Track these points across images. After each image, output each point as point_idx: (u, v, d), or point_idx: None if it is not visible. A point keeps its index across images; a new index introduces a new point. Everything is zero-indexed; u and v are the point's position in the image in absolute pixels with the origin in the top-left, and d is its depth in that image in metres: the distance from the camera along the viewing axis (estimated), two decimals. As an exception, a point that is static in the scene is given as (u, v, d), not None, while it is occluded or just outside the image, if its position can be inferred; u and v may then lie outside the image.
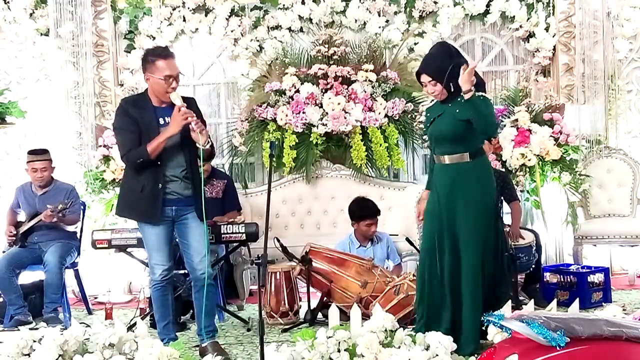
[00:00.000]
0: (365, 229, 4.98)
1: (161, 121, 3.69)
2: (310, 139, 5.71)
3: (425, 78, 3.74)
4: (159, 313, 3.87)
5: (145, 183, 3.69)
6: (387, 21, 6.13)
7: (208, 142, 3.64)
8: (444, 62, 3.70)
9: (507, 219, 5.19)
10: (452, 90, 3.67)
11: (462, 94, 3.55)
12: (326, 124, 5.64)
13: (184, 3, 6.12)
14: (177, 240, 3.90)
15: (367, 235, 5.02)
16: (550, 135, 5.65)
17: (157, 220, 3.72)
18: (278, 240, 4.74)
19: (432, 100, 3.95)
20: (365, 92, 5.77)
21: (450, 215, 3.68)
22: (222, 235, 4.51)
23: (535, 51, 6.14)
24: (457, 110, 3.64)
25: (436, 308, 3.68)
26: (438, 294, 3.68)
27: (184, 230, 3.80)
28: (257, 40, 6.16)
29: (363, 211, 4.99)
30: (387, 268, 4.97)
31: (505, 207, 5.25)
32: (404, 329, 3.19)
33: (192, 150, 3.70)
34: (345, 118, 5.62)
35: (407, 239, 4.96)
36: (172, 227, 3.82)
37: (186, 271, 4.59)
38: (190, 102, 3.74)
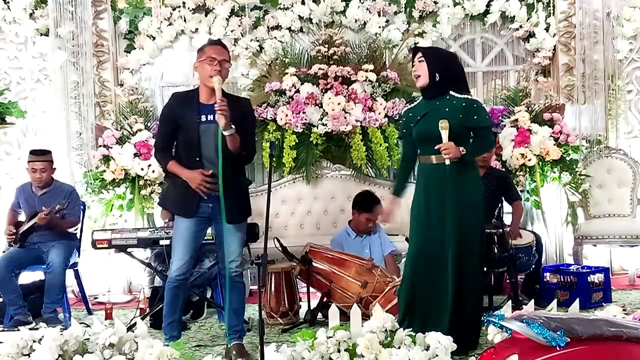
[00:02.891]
0: (364, 222, 5.01)
1: (203, 118, 3.65)
2: (310, 139, 5.71)
3: (417, 55, 3.78)
4: (166, 309, 3.85)
5: (183, 179, 3.69)
6: (387, 21, 6.13)
7: (230, 130, 3.53)
8: (445, 55, 3.88)
9: (507, 219, 5.21)
10: (436, 80, 3.70)
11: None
12: (326, 124, 5.64)
13: (184, 3, 6.11)
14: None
15: (363, 228, 5.04)
16: (550, 135, 5.66)
17: (190, 215, 3.71)
18: (278, 240, 4.74)
19: (413, 102, 3.95)
20: (365, 92, 5.77)
21: (446, 216, 3.68)
22: (222, 235, 4.51)
23: (536, 51, 6.14)
24: (447, 109, 3.67)
25: (434, 310, 3.68)
26: (437, 295, 3.69)
27: (218, 229, 3.78)
28: (257, 40, 6.16)
29: (368, 204, 5.02)
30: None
31: (506, 207, 5.26)
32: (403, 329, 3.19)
33: (228, 151, 3.63)
34: (345, 118, 5.63)
35: (407, 239, 4.96)
36: (205, 226, 3.79)
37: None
38: (238, 102, 3.78)
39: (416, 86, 3.88)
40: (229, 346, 3.82)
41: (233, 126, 3.54)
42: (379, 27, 6.08)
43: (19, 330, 3.30)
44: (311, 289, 4.69)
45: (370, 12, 6.09)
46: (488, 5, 6.09)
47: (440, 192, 3.70)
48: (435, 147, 3.59)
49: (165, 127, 3.78)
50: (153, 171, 5.60)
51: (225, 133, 3.53)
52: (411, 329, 3.21)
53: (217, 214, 3.68)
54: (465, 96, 3.73)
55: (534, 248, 4.84)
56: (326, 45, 5.87)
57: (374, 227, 5.08)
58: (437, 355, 3.00)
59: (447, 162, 3.57)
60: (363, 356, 3.02)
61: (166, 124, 3.77)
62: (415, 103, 3.95)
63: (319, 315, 4.58)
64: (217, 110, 3.48)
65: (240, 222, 3.78)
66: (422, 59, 3.73)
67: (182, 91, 3.95)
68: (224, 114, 3.49)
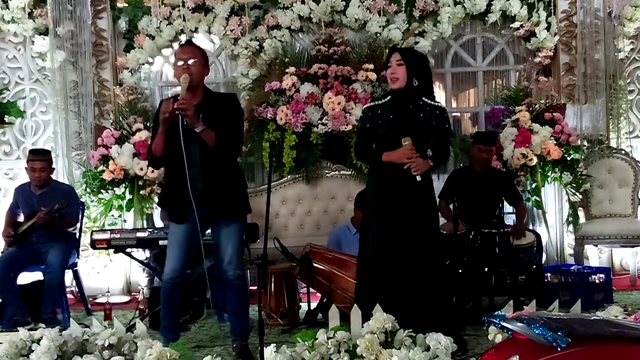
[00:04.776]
0: None
1: (186, 121, 3.56)
2: (310, 139, 5.69)
3: (394, 57, 3.74)
4: (162, 312, 3.83)
5: (174, 181, 3.67)
6: (387, 20, 6.11)
7: (200, 127, 3.50)
8: (422, 59, 3.85)
9: (507, 219, 5.19)
10: (413, 85, 3.68)
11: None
12: (326, 124, 5.63)
13: (183, 2, 6.10)
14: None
15: None
16: (552, 135, 5.64)
17: (182, 221, 3.67)
18: (278, 241, 4.72)
19: (376, 100, 3.92)
20: (365, 91, 5.76)
21: (408, 215, 3.68)
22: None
23: (536, 50, 6.12)
24: (421, 115, 3.70)
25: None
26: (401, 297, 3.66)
27: (213, 231, 3.74)
28: (257, 40, 6.14)
29: None
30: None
31: (506, 207, 5.25)
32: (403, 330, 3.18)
33: (212, 149, 3.58)
34: (345, 118, 5.61)
35: None
36: (197, 228, 3.63)
37: (188, 271, 4.59)
38: (221, 98, 3.80)
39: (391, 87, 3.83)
40: (233, 345, 3.83)
41: (202, 122, 3.50)
42: (380, 26, 6.06)
43: (17, 330, 3.29)
44: (311, 290, 4.68)
45: (370, 11, 6.07)
46: (489, 5, 6.07)
47: (397, 192, 3.69)
48: (405, 167, 3.61)
49: (155, 129, 3.73)
50: (152, 171, 5.58)
51: (196, 130, 3.51)
52: None
53: (211, 215, 3.63)
54: (437, 104, 3.80)
55: (535, 248, 4.83)
56: (326, 45, 5.86)
57: None
58: (437, 356, 2.99)
59: (418, 178, 3.61)
60: (363, 357, 3.00)
61: (156, 126, 3.72)
62: (382, 101, 3.87)
63: (319, 316, 4.56)
64: (176, 109, 3.46)
65: (234, 219, 3.70)
66: (402, 62, 3.71)
67: (170, 97, 3.92)
68: (185, 113, 3.46)
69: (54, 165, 5.13)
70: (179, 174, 3.57)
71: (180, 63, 3.63)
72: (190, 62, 3.62)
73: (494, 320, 2.63)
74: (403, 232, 3.68)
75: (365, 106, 3.99)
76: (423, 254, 3.68)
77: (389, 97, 3.84)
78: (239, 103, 3.87)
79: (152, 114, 6.04)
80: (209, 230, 3.82)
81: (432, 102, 3.78)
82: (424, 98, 3.76)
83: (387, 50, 6.02)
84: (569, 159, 5.71)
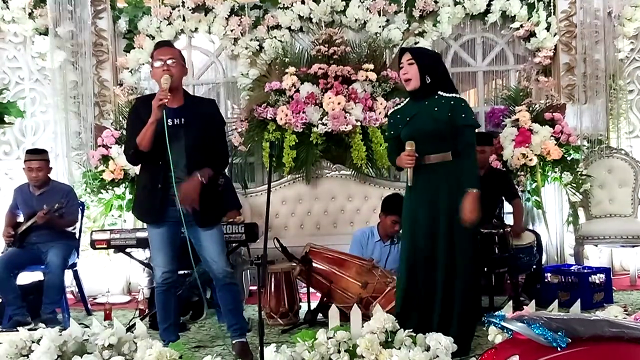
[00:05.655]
0: (390, 225, 4.89)
1: (170, 122, 3.53)
2: (310, 139, 5.70)
3: (405, 57, 3.71)
4: (160, 315, 3.82)
5: (147, 182, 3.66)
6: (387, 21, 6.12)
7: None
8: (433, 56, 3.83)
9: (507, 219, 5.19)
10: (427, 83, 3.65)
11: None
12: (326, 124, 5.63)
13: (183, 2, 6.11)
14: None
15: (389, 232, 4.95)
16: (551, 135, 5.64)
17: (156, 221, 3.66)
18: (278, 241, 4.72)
19: (398, 104, 3.89)
20: (365, 91, 5.76)
21: (438, 215, 3.62)
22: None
23: (536, 51, 6.13)
24: (436, 109, 3.63)
25: (427, 312, 3.63)
26: (429, 297, 3.63)
27: (194, 232, 3.70)
28: (257, 40, 6.15)
29: (394, 207, 4.90)
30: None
31: (506, 207, 5.25)
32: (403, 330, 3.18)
33: (196, 152, 3.59)
34: (345, 118, 5.61)
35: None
36: (178, 229, 3.69)
37: (186, 272, 4.60)
38: (202, 104, 3.75)
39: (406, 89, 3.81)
40: (232, 343, 3.83)
41: (201, 175, 3.52)
42: (379, 26, 6.07)
43: (17, 330, 3.29)
44: (311, 290, 4.68)
45: (370, 11, 6.08)
46: (489, 5, 6.07)
47: (431, 192, 3.64)
48: (462, 222, 3.52)
49: (136, 127, 3.59)
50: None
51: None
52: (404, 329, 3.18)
53: (187, 218, 3.59)
54: (453, 95, 3.71)
55: (535, 248, 4.82)
56: (326, 45, 5.86)
57: (399, 231, 5.00)
58: (437, 356, 3.00)
59: (410, 182, 3.62)
60: (363, 357, 3.01)
61: (136, 124, 3.60)
62: (402, 104, 3.89)
63: (319, 316, 4.56)
64: (156, 103, 3.42)
65: (213, 226, 3.69)
66: (412, 61, 3.68)
67: (145, 95, 3.86)
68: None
69: (53, 165, 5.13)
70: (160, 173, 3.56)
71: (158, 64, 3.56)
72: (170, 62, 3.57)
73: (494, 320, 2.63)
74: (436, 237, 3.62)
75: (389, 113, 3.98)
76: (457, 258, 3.59)
77: (408, 99, 3.84)
78: (220, 112, 3.85)
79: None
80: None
81: (448, 95, 3.68)
82: (439, 92, 3.68)
83: (387, 51, 6.11)
84: (569, 159, 5.71)
